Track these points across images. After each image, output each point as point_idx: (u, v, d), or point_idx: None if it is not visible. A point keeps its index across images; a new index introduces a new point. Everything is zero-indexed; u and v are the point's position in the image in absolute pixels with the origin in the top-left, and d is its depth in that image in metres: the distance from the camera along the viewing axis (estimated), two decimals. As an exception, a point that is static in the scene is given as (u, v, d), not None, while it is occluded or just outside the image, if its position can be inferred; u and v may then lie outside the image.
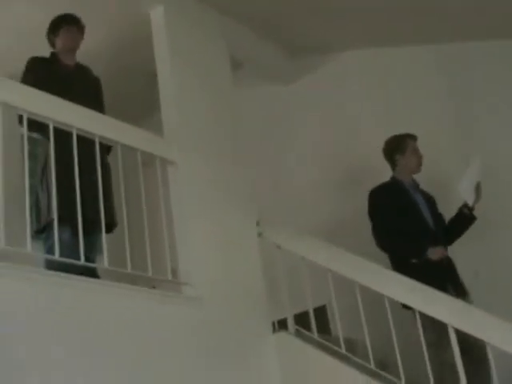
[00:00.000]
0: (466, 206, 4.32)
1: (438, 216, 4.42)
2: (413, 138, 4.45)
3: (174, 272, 3.76)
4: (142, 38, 4.39)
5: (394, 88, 5.29)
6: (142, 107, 5.44)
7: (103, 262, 3.40)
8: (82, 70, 4.23)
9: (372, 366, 3.65)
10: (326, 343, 3.88)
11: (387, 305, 3.63)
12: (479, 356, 3.56)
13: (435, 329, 3.57)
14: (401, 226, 4.18)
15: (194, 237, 3.86)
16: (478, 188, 4.26)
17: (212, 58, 4.57)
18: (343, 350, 3.79)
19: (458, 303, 3.50)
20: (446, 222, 4.46)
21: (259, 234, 4.25)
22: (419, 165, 4.44)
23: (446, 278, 4.09)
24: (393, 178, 4.46)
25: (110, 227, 3.80)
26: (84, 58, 4.23)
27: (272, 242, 4.19)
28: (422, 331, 3.51)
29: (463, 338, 3.49)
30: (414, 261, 4.10)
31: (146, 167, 3.81)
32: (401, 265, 4.09)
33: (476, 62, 5.06)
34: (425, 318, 3.55)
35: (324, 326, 4.59)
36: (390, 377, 3.60)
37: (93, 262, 3.72)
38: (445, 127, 5.07)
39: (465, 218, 4.36)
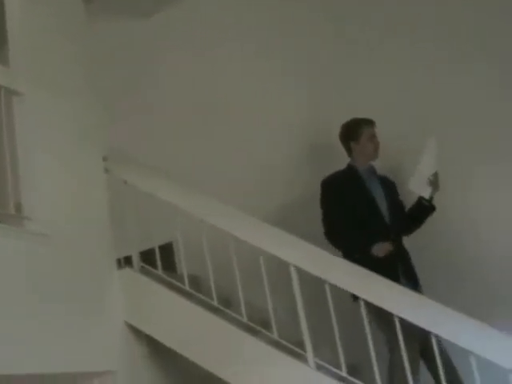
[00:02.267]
0: (423, 196, 4.24)
1: (395, 205, 4.30)
2: (369, 123, 4.30)
3: (19, 207, 3.65)
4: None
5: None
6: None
7: None
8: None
9: (215, 303, 3.75)
10: (171, 280, 3.94)
11: (232, 247, 3.69)
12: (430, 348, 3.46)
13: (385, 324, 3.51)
14: (351, 216, 4.09)
15: (39, 171, 3.72)
16: (434, 178, 4.16)
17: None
18: (187, 287, 3.86)
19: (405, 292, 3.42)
20: (406, 209, 4.36)
21: (106, 170, 4.17)
22: (376, 151, 4.30)
23: (398, 271, 4.02)
24: (348, 166, 4.34)
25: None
26: None
27: (119, 177, 4.13)
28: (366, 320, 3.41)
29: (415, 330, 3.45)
30: (357, 256, 3.94)
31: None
32: (352, 257, 3.92)
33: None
34: (375, 314, 3.51)
35: (170, 264, 4.63)
36: (233, 314, 3.70)
37: None
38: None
39: (424, 209, 4.27)
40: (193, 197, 3.91)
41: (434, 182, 4.16)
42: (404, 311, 3.30)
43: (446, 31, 4.90)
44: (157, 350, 3.96)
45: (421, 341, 3.66)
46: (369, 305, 3.41)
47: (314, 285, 3.50)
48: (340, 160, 4.39)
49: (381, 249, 3.99)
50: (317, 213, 4.22)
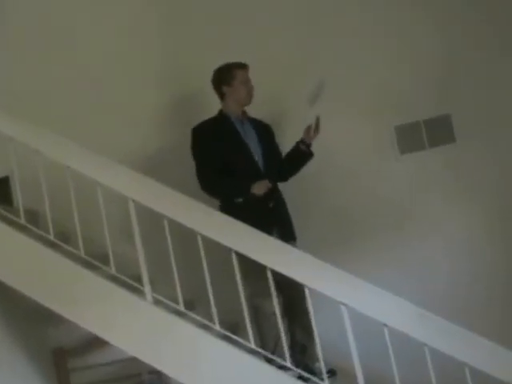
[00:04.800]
0: (303, 141, 4.17)
1: (270, 150, 4.23)
2: (242, 66, 4.19)
3: None
4: None
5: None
6: None
7: None
8: None
9: (52, 237, 3.64)
10: (6, 213, 3.78)
11: (70, 179, 3.57)
12: (296, 299, 3.61)
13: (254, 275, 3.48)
14: (225, 164, 4.01)
15: None
16: (316, 122, 4.11)
17: None
18: (23, 221, 3.72)
19: (276, 244, 3.38)
20: (283, 154, 4.29)
21: None
22: (249, 96, 4.20)
23: (272, 220, 4.00)
24: (219, 112, 4.21)
25: None
26: None
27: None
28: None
29: (282, 286, 3.51)
30: (239, 200, 3.96)
31: None
32: (226, 206, 3.95)
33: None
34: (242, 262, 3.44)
35: (7, 198, 4.45)
36: (71, 249, 3.61)
37: None
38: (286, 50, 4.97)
39: (301, 154, 4.21)
40: (28, 128, 3.73)
41: (315, 126, 4.13)
42: (276, 264, 3.29)
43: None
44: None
45: (287, 296, 3.78)
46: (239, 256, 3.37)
47: (153, 219, 3.46)
48: (214, 108, 4.32)
49: (260, 186, 4.00)
50: (190, 161, 4.17)
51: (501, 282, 4.75)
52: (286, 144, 4.38)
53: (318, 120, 4.12)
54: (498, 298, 4.73)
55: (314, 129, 4.14)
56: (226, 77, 4.21)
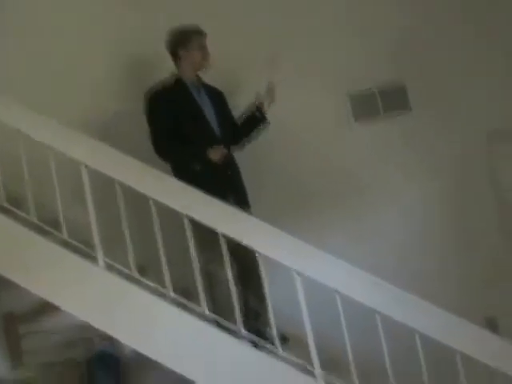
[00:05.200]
0: (258, 108, 4.16)
1: (225, 116, 4.20)
2: (200, 32, 4.15)
3: None
4: None
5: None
6: None
7: None
8: None
9: (4, 202, 3.57)
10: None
11: (21, 143, 3.49)
12: (250, 267, 3.60)
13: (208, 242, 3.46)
14: (180, 130, 3.97)
15: None
16: (271, 90, 4.10)
17: None
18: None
19: (231, 210, 3.37)
20: (238, 121, 4.27)
21: None
22: (205, 61, 4.16)
23: (227, 187, 3.99)
24: (174, 76, 4.15)
25: None
26: None
27: None
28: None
29: (236, 253, 3.48)
30: (195, 167, 3.93)
31: None
32: (181, 173, 3.89)
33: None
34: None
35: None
36: (22, 214, 3.55)
37: None
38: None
39: (257, 121, 4.20)
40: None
41: (270, 94, 4.13)
42: (230, 230, 3.28)
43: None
44: None
45: (241, 263, 3.80)
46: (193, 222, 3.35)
47: (106, 184, 3.42)
48: (168, 72, 4.27)
49: (216, 152, 3.97)
50: (145, 126, 4.12)
51: (453, 255, 4.79)
52: (238, 113, 4.38)
53: (272, 88, 4.12)
54: (450, 271, 4.78)
55: (268, 97, 4.14)
56: (182, 40, 4.17)
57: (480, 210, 4.84)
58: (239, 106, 4.43)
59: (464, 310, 3.35)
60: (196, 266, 3.36)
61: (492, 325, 4.48)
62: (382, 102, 4.91)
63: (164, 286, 3.37)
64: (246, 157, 4.34)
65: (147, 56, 4.92)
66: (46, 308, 4.00)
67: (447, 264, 4.79)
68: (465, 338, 3.20)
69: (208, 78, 4.31)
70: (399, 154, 4.93)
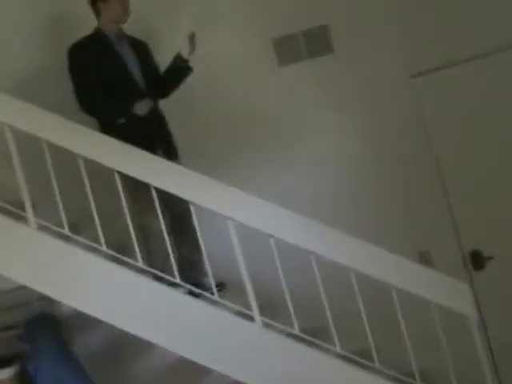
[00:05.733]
0: (179, 57, 4.09)
1: (149, 67, 4.15)
2: None
3: None
4: None
5: None
6: None
7: None
8: None
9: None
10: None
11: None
12: (183, 216, 3.61)
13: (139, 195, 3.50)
14: (104, 84, 3.89)
15: None
16: (191, 38, 4.03)
17: None
18: None
19: (160, 162, 3.39)
20: (162, 71, 4.20)
21: None
22: (125, 14, 4.08)
23: (155, 139, 3.96)
24: (95, 30, 4.06)
25: None
26: None
27: None
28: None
29: (168, 204, 3.48)
30: (121, 121, 3.87)
31: None
32: (107, 128, 3.82)
33: None
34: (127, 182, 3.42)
35: None
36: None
37: None
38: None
39: (180, 70, 4.14)
40: None
41: (191, 42, 4.07)
42: (161, 182, 3.30)
43: None
44: None
45: (174, 213, 3.80)
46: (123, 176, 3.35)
47: (33, 143, 3.35)
48: (90, 27, 4.17)
49: (142, 106, 3.93)
50: (68, 82, 4.03)
51: (386, 191, 4.84)
52: (162, 63, 4.30)
53: (193, 37, 4.08)
54: (382, 208, 4.83)
55: (189, 45, 4.08)
56: None
57: (407, 142, 4.86)
58: (162, 55, 4.35)
59: (398, 245, 3.45)
60: (128, 218, 3.35)
61: (425, 259, 4.62)
62: (306, 44, 4.90)
63: (99, 243, 3.35)
64: (171, 106, 4.29)
65: (68, 10, 4.79)
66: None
67: (377, 200, 4.83)
68: (398, 272, 3.29)
69: (128, 27, 4.23)
70: (320, 95, 4.92)
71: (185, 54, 4.11)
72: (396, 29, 4.88)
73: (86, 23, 4.20)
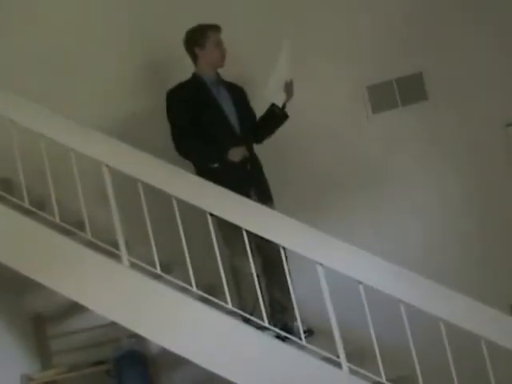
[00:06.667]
0: (275, 104, 4.11)
1: (245, 112, 4.19)
2: (214, 28, 4.11)
3: None
4: None
5: None
6: None
7: None
8: None
9: (27, 205, 3.62)
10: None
11: (44, 148, 3.54)
12: (274, 260, 3.64)
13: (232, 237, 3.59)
14: (200, 128, 3.96)
15: None
16: (288, 85, 4.05)
17: None
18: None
19: (253, 205, 3.42)
20: (258, 117, 4.24)
21: None
22: (222, 59, 4.14)
23: (249, 183, 3.99)
24: (193, 75, 4.15)
25: None
26: None
27: None
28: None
29: (260, 247, 3.59)
30: (215, 165, 3.93)
31: None
32: (202, 170, 3.90)
33: None
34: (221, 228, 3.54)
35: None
36: (46, 216, 3.60)
37: None
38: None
39: (276, 117, 4.16)
40: (1, 97, 3.68)
41: (288, 89, 4.08)
42: (253, 225, 3.33)
43: None
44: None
45: (265, 256, 3.83)
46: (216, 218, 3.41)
47: (128, 184, 3.46)
48: (188, 71, 4.25)
49: (236, 153, 3.94)
50: (166, 125, 4.12)
51: (476, 244, 4.76)
52: (258, 107, 4.32)
53: (290, 84, 4.07)
54: (473, 260, 4.75)
55: (288, 91, 4.08)
56: (198, 38, 4.13)
57: (501, 199, 4.79)
58: (258, 100, 4.38)
59: (489, 298, 3.36)
60: (219, 260, 3.39)
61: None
62: (400, 92, 4.90)
63: (189, 283, 3.40)
64: (265, 151, 4.32)
65: (167, 55, 4.94)
66: (73, 309, 4.06)
67: (471, 253, 4.75)
68: (489, 324, 3.20)
69: (225, 71, 4.29)
70: (417, 142, 4.90)
71: (279, 104, 4.11)
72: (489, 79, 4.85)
73: (185, 66, 4.29)
